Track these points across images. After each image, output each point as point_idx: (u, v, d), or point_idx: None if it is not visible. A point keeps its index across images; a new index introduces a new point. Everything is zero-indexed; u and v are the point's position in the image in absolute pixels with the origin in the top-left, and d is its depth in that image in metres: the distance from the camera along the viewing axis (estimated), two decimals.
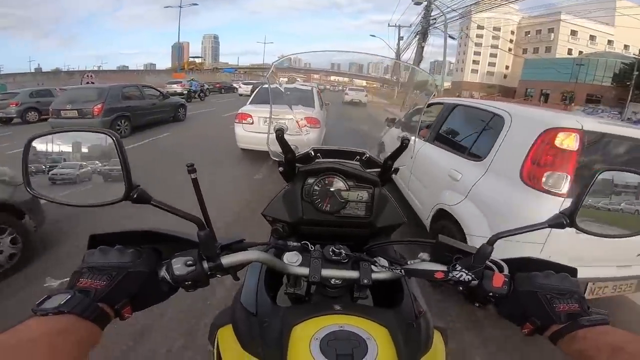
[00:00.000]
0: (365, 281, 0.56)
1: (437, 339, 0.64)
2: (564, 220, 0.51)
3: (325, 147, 0.88)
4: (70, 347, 0.36)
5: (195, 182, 0.50)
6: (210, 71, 51.50)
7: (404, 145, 0.70)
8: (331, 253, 0.59)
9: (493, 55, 57.15)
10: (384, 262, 0.59)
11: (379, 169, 0.78)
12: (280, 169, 0.76)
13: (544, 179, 1.35)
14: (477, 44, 54.03)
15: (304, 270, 0.56)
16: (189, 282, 0.50)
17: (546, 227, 0.51)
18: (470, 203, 1.60)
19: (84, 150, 0.51)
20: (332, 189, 0.75)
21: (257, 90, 6.11)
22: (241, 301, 0.63)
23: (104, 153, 0.50)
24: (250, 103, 5.50)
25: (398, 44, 20.70)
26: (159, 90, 9.19)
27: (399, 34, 20.01)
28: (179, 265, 0.49)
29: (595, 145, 1.35)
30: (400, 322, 0.55)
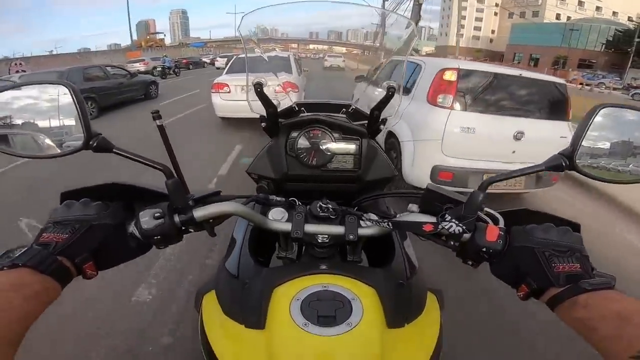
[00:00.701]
0: (352, 236, 0.55)
1: (431, 301, 0.62)
2: (563, 161, 0.47)
3: (309, 101, 0.88)
4: (22, 301, 0.36)
5: (161, 129, 0.49)
6: (175, 47, 48.93)
7: (389, 93, 0.69)
8: (318, 209, 0.57)
9: (478, 20, 57.25)
10: (372, 216, 0.57)
11: (365, 121, 0.78)
12: (263, 124, 0.76)
13: (438, 99, 2.20)
14: (462, 8, 54.72)
15: (287, 226, 0.55)
16: (158, 237, 0.48)
17: (543, 170, 0.48)
18: (402, 121, 2.44)
19: (41, 104, 0.51)
20: (317, 142, 0.75)
21: (231, 60, 6.37)
22: (225, 265, 0.64)
23: (62, 105, 0.49)
24: (226, 73, 5.76)
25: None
26: (126, 70, 9.14)
27: None
28: (147, 219, 0.47)
29: (467, 77, 2.23)
30: (389, 282, 0.54)
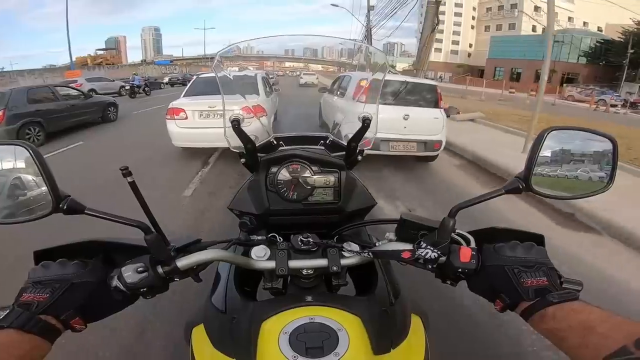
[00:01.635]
0: (335, 268, 0.61)
1: (416, 324, 0.69)
2: (520, 184, 0.55)
3: (286, 135, 0.95)
4: None
5: (133, 185, 0.51)
6: (133, 66, 45.92)
7: (365, 125, 0.77)
8: (300, 242, 0.63)
9: (456, 33, 60.49)
10: (353, 246, 0.64)
11: (343, 153, 0.85)
12: (242, 160, 0.81)
13: (358, 97, 3.04)
14: (439, 22, 57.61)
15: (271, 264, 0.61)
16: (144, 289, 0.53)
17: (503, 193, 0.56)
18: (339, 111, 2.91)
19: (2, 164, 0.52)
20: (296, 177, 0.80)
21: (192, 81, 6.05)
22: (211, 299, 0.69)
23: (23, 166, 0.50)
24: (183, 96, 5.46)
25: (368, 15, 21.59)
26: (79, 90, 8.90)
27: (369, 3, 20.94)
28: (130, 273, 0.52)
29: (375, 84, 2.80)
30: (373, 309, 0.60)
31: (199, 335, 0.65)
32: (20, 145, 0.49)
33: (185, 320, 0.77)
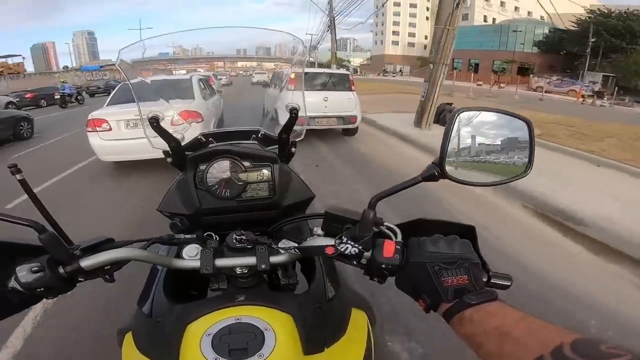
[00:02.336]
0: (263, 266, 0.61)
1: (358, 319, 0.70)
2: (435, 171, 0.55)
3: (215, 130, 0.95)
4: None
5: (23, 183, 0.52)
6: (45, 74, 41.42)
7: (292, 115, 0.78)
8: (234, 241, 0.63)
9: (412, 25, 63.01)
10: (288, 244, 0.63)
11: (276, 146, 0.87)
12: (169, 159, 0.81)
13: (288, 87, 3.17)
14: (395, 14, 59.27)
15: (195, 263, 0.61)
16: (42, 289, 0.52)
17: (420, 181, 0.56)
18: (279, 98, 3.38)
19: None
20: (227, 173, 0.81)
21: (117, 88, 5.66)
22: (139, 304, 0.69)
23: None
24: (106, 105, 5.08)
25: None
26: None
27: None
28: (24, 273, 0.51)
29: (299, 76, 3.06)
30: (306, 306, 0.61)
31: (128, 342, 0.65)
32: None
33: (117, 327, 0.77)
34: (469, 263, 0.50)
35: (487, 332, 0.43)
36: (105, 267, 0.56)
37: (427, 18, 61.00)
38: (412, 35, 63.46)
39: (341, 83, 6.36)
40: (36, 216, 0.53)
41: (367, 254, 0.54)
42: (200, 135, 0.92)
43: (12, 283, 0.52)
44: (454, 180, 0.55)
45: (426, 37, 62.09)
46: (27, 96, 17.74)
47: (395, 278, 0.55)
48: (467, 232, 0.57)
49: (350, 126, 6.50)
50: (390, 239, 0.56)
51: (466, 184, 0.57)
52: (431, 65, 7.40)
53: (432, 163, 0.55)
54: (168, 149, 0.79)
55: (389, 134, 7.55)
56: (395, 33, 63.89)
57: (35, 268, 0.51)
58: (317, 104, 5.85)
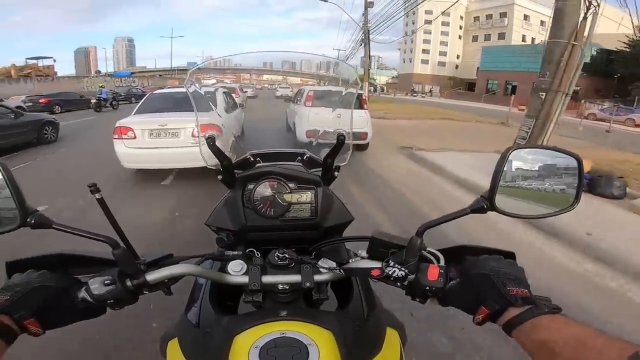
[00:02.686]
0: (308, 284, 0.68)
1: (392, 338, 0.76)
2: (485, 204, 0.62)
3: (263, 151, 1.05)
4: None
5: (101, 202, 0.58)
6: (73, 78, 41.26)
7: (340, 141, 0.86)
8: (276, 258, 0.71)
9: (444, 44, 62.59)
10: (328, 263, 0.71)
11: (320, 169, 0.94)
12: (219, 177, 0.90)
13: (307, 103, 3.23)
14: (426, 32, 57.97)
15: (244, 279, 0.68)
16: (111, 301, 0.60)
17: (469, 213, 0.62)
18: (296, 113, 3.47)
19: None
20: (273, 193, 0.88)
21: (145, 97, 6.22)
22: (186, 314, 0.77)
23: None
24: (134, 114, 5.54)
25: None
26: (8, 107, 8.51)
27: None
28: (97, 285, 0.59)
29: (317, 94, 3.05)
30: (346, 323, 0.66)
31: (173, 349, 0.72)
32: None
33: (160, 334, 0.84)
34: (525, 282, 0.56)
35: (565, 339, 0.45)
36: (165, 281, 0.65)
37: (459, 37, 60.91)
38: (442, 54, 63.20)
39: (349, 100, 7.61)
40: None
41: (411, 277, 0.61)
42: (249, 155, 1.01)
43: (83, 294, 0.59)
44: (503, 213, 0.63)
45: (458, 57, 62.06)
46: (40, 101, 18.07)
47: (441, 297, 0.62)
48: (509, 257, 0.63)
49: (362, 142, 7.13)
50: (432, 262, 0.63)
51: (514, 216, 0.65)
52: (541, 95, 5.74)
53: (481, 196, 0.63)
54: (220, 167, 0.87)
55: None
56: (425, 51, 63.79)
57: (108, 281, 0.59)
58: (330, 120, 6.50)
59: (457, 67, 62.12)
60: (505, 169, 0.61)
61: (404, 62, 70.50)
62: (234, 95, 4.91)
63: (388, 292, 0.87)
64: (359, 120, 6.82)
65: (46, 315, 0.57)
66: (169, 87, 9.85)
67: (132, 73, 56.57)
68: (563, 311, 0.51)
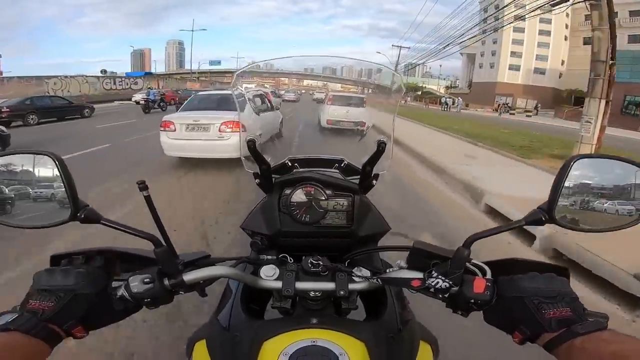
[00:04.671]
0: (342, 292, 0.81)
1: (425, 351, 0.90)
2: (543, 216, 0.71)
3: (302, 156, 1.26)
4: None
5: (148, 199, 0.72)
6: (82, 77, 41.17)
7: (380, 149, 1.00)
8: (310, 265, 0.86)
9: (543, 45, 58.42)
10: (363, 272, 0.86)
11: (358, 177, 1.12)
12: (257, 181, 1.10)
13: (328, 102, 4.75)
14: (516, 30, 53.64)
15: (278, 284, 0.83)
16: (149, 300, 0.75)
17: (523, 225, 0.74)
18: (321, 110, 4.93)
19: (26, 172, 0.74)
20: (309, 199, 1.06)
21: (190, 97, 9.95)
22: (217, 316, 0.94)
23: (47, 175, 0.72)
24: (179, 111, 8.98)
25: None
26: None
27: None
28: (136, 283, 0.73)
29: (334, 96, 4.88)
30: (379, 335, 0.79)
31: (201, 351, 0.88)
32: (47, 155, 0.71)
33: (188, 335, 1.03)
34: (570, 297, 0.68)
35: (601, 356, 0.55)
36: (201, 282, 0.80)
37: (565, 38, 58.00)
38: (541, 58, 60.00)
39: (359, 102, 12.01)
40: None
41: (455, 289, 0.73)
42: (288, 160, 1.20)
43: (122, 291, 0.74)
44: (561, 226, 0.73)
45: (563, 63, 58.78)
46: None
47: (484, 313, 0.76)
48: (561, 272, 0.75)
49: (361, 128, 10.06)
50: (477, 275, 0.75)
51: (574, 229, 0.75)
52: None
53: (539, 208, 0.73)
54: (258, 170, 1.07)
55: None
56: (515, 54, 61.16)
57: (147, 279, 0.73)
58: (342, 114, 9.81)
59: (560, 75, 58.83)
60: (567, 178, 0.71)
61: (480, 67, 68.57)
62: (267, 98, 6.36)
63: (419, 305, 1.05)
64: (360, 114, 11.11)
65: (89, 319, 0.72)
66: (208, 90, 13.32)
67: (146, 73, 60.25)
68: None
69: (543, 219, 0.72)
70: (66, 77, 36.25)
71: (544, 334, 0.66)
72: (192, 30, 66.70)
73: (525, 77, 61.48)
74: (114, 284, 0.77)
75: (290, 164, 1.21)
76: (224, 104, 8.37)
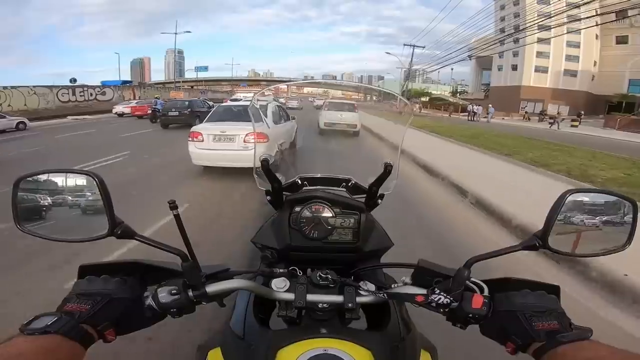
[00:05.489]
0: (350, 305, 0.96)
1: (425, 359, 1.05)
2: (537, 242, 0.88)
3: (311, 175, 1.44)
4: None
5: (177, 218, 0.86)
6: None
7: (387, 171, 1.19)
8: (318, 278, 1.01)
9: (573, 45, 57.64)
10: (369, 286, 1.02)
11: (364, 195, 1.31)
12: (268, 197, 1.30)
13: (324, 108, 12.51)
14: (541, 27, 51.06)
15: (290, 296, 0.97)
16: (174, 310, 0.90)
17: (520, 249, 0.90)
18: (320, 115, 10.34)
19: (70, 189, 0.88)
20: (318, 217, 1.22)
21: (213, 109, 11.73)
22: (230, 325, 1.05)
23: (88, 192, 0.86)
24: (205, 121, 10.23)
25: None
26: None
27: None
28: (164, 294, 0.88)
29: (330, 102, 14.08)
30: (385, 344, 0.93)
31: (216, 358, 0.99)
32: (89, 175, 0.85)
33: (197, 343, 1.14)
34: (557, 312, 0.83)
35: None
36: (221, 293, 0.94)
37: (596, 36, 57.75)
38: (571, 59, 59.62)
39: (350, 108, 12.15)
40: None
41: (455, 304, 0.89)
42: (298, 178, 1.39)
43: (150, 301, 0.89)
44: (555, 252, 0.89)
45: (595, 64, 58.72)
46: None
47: (481, 327, 0.92)
48: (552, 290, 0.91)
49: (354, 130, 11.05)
50: (476, 292, 0.90)
51: (565, 255, 0.93)
52: None
53: (534, 235, 0.90)
54: (270, 188, 1.26)
55: None
56: (541, 55, 60.81)
57: (174, 290, 0.88)
58: (337, 117, 10.96)
59: (593, 77, 58.82)
60: (560, 210, 0.87)
61: (499, 70, 68.26)
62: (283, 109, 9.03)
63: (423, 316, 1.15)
64: (352, 117, 11.41)
65: (121, 324, 0.85)
66: (229, 101, 16.85)
67: (123, 82, 59.75)
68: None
69: (537, 244, 0.88)
70: (5, 88, 32.16)
71: (533, 343, 0.80)
72: (176, 33, 67.42)
73: (554, 80, 61.04)
74: (144, 294, 0.91)
75: (300, 182, 1.39)
76: (246, 115, 9.11)
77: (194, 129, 9.42)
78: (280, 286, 1.00)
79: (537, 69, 61.79)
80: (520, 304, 0.86)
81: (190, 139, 9.22)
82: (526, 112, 53.22)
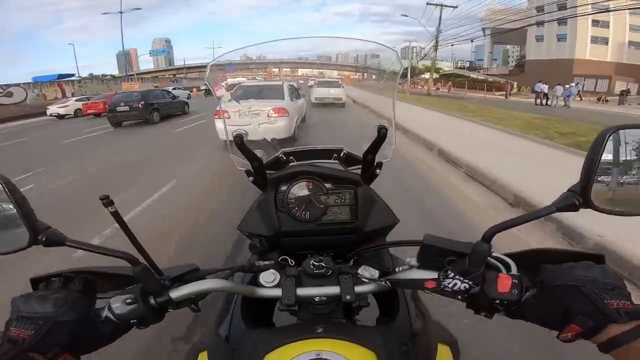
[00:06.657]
0: (348, 297, 0.97)
1: (443, 355, 1.09)
2: (576, 200, 0.77)
3: (296, 149, 1.54)
4: None
5: (115, 215, 0.81)
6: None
7: (381, 135, 1.20)
8: (312, 266, 1.04)
9: (637, 13, 56.27)
10: (370, 272, 1.02)
11: (359, 167, 1.37)
12: (250, 178, 1.35)
13: (315, 86, 20.16)
14: None
15: (277, 292, 0.99)
16: (135, 320, 0.89)
17: (554, 212, 0.78)
18: (310, 92, 18.89)
19: None
20: (308, 195, 1.28)
21: (235, 88, 9.29)
22: (217, 327, 1.13)
23: (1, 197, 0.80)
24: (228, 100, 7.96)
25: None
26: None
27: None
28: (118, 304, 0.88)
29: (319, 82, 21.04)
30: (391, 343, 0.92)
31: None
32: None
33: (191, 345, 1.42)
34: (623, 289, 0.73)
35: None
36: (192, 297, 0.94)
37: None
38: (635, 29, 58.81)
39: (336, 84, 19.95)
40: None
41: (476, 289, 0.82)
42: (281, 154, 1.46)
43: (106, 313, 0.88)
44: (599, 210, 0.78)
45: None
46: None
47: (513, 312, 0.83)
48: (598, 260, 0.82)
49: (340, 102, 18.06)
50: (500, 271, 0.84)
51: (613, 214, 0.80)
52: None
53: (570, 190, 0.79)
54: (251, 167, 1.29)
55: None
56: (597, 24, 59.12)
57: (129, 300, 0.88)
58: (325, 93, 18.56)
59: None
60: (602, 155, 0.75)
61: (537, 40, 68.34)
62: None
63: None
64: (339, 92, 19.14)
65: (75, 346, 0.83)
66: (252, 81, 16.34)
67: (60, 76, 60.92)
68: None
69: (577, 203, 0.77)
70: None
71: (610, 326, 0.70)
72: (121, 12, 69.80)
73: (616, 52, 60.40)
74: (99, 303, 0.91)
75: (284, 158, 1.45)
76: (268, 93, 9.70)
77: (220, 107, 6.97)
78: (269, 280, 1.00)
79: (595, 40, 61.06)
80: (582, 278, 0.76)
81: (217, 117, 9.58)
82: (622, 92, 44.91)
